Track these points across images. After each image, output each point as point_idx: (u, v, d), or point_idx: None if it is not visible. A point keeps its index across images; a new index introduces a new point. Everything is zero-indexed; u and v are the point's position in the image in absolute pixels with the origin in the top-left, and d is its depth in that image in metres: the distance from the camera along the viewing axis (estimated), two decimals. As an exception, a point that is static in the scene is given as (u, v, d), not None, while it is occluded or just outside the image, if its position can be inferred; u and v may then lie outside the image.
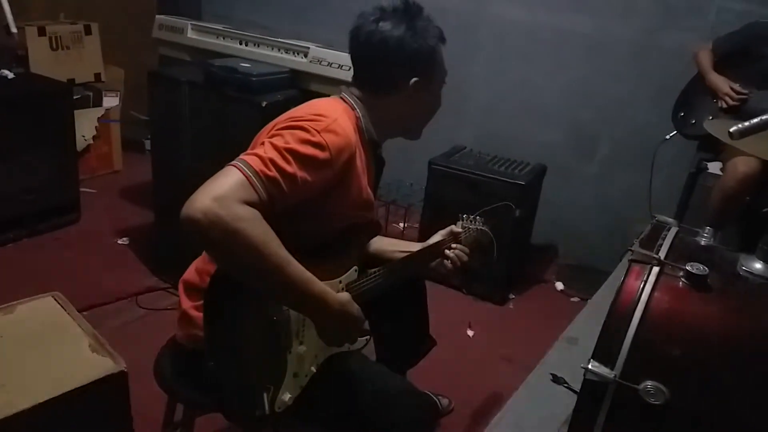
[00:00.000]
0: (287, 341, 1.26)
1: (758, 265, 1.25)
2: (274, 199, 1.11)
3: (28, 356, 1.34)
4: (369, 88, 1.38)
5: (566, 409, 1.73)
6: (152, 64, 3.12)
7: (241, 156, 1.13)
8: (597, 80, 3.12)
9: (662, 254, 1.22)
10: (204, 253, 1.36)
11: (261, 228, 1.07)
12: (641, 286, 1.15)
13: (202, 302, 1.24)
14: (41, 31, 3.50)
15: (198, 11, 4.18)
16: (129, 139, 4.06)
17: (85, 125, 3.67)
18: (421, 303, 1.76)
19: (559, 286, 3.14)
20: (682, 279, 1.17)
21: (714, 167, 2.58)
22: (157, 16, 3.09)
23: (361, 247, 1.47)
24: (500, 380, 2.31)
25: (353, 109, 1.37)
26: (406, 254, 1.54)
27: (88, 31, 3.72)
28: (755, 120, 1.12)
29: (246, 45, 2.74)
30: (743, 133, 1.12)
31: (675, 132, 2.68)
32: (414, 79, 1.35)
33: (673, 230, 1.38)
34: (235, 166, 1.10)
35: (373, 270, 1.43)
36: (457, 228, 1.62)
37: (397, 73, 1.35)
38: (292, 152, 1.14)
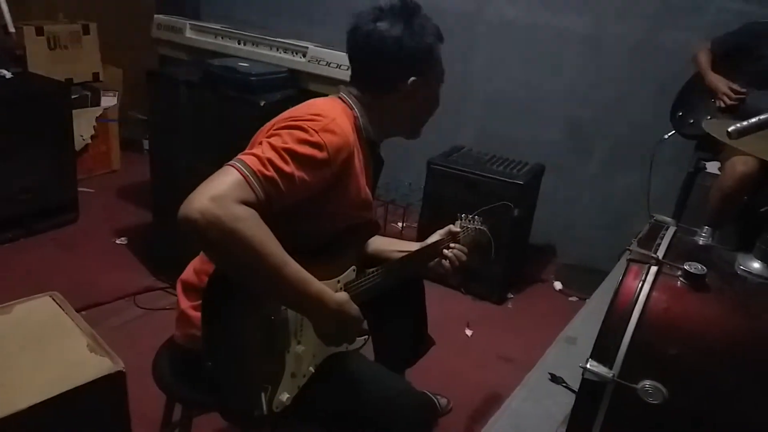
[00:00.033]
0: (285, 341, 1.26)
1: (756, 265, 1.25)
2: (272, 198, 1.11)
3: (26, 356, 1.34)
4: (367, 88, 1.38)
5: (565, 408, 1.73)
6: (151, 64, 3.12)
7: (239, 156, 1.13)
8: (595, 80, 3.12)
9: (660, 254, 1.22)
10: (202, 252, 1.36)
11: (259, 228, 1.07)
12: (639, 285, 1.15)
13: (200, 302, 1.24)
14: (39, 31, 3.49)
15: (197, 11, 4.17)
16: (127, 138, 4.05)
17: (84, 125, 3.67)
18: (420, 303, 1.76)
19: (558, 285, 3.14)
20: (681, 278, 1.17)
21: (712, 167, 2.58)
22: (155, 16, 3.09)
23: (359, 246, 1.47)
24: (499, 380, 2.31)
25: (351, 108, 1.37)
26: (404, 254, 1.54)
27: (86, 30, 3.72)
28: (753, 119, 1.12)
29: (245, 44, 2.74)
30: (741, 133, 1.12)
31: (673, 131, 2.68)
32: (412, 78, 1.35)
33: (672, 230, 1.38)
34: (232, 166, 1.09)
35: (371, 270, 1.43)
36: (455, 227, 1.62)
37: (395, 72, 1.35)
38: (290, 152, 1.14)
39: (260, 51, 2.69)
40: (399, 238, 1.71)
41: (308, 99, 1.38)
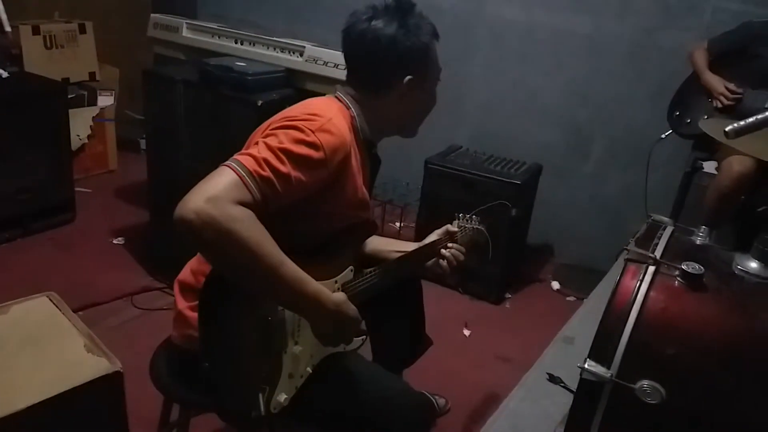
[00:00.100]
0: (282, 341, 1.26)
1: (753, 264, 1.25)
2: (268, 199, 1.11)
3: (23, 356, 1.33)
4: (363, 87, 1.38)
5: (563, 408, 1.73)
6: (147, 63, 3.12)
7: (235, 156, 1.13)
8: (593, 80, 3.12)
9: (658, 253, 1.22)
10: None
11: (255, 228, 1.07)
12: (637, 285, 1.15)
13: (197, 303, 1.24)
14: (35, 30, 3.49)
15: (193, 10, 4.17)
16: (124, 138, 4.04)
17: (80, 124, 3.66)
18: (418, 303, 1.76)
19: (555, 285, 3.15)
20: (678, 278, 1.17)
21: (709, 166, 2.59)
22: (152, 15, 3.09)
23: (356, 246, 1.47)
24: (497, 380, 2.31)
25: (348, 108, 1.37)
26: (402, 254, 1.54)
27: (82, 29, 3.71)
28: (750, 119, 1.12)
29: (241, 44, 2.74)
30: (738, 133, 1.12)
31: (670, 131, 2.68)
32: (408, 77, 1.35)
33: (669, 229, 1.38)
34: (228, 167, 1.09)
35: (368, 270, 1.43)
36: (453, 227, 1.62)
37: (390, 71, 1.35)
38: (286, 152, 1.14)
39: (257, 50, 2.69)
40: (397, 238, 1.71)
41: (305, 98, 1.38)
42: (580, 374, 1.13)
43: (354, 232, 1.42)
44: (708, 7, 2.79)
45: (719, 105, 2.51)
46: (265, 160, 1.11)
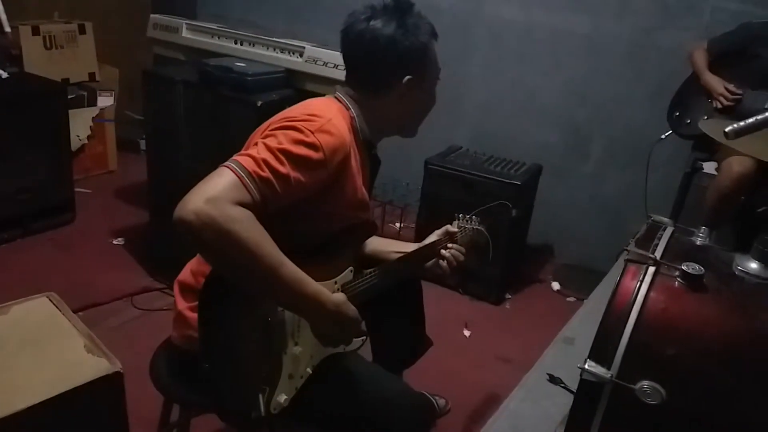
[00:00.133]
0: (282, 342, 1.26)
1: (753, 265, 1.25)
2: (267, 199, 1.10)
3: (23, 357, 1.33)
4: (362, 88, 1.38)
5: (563, 409, 1.73)
6: (147, 64, 3.11)
7: (234, 157, 1.13)
8: (592, 79, 3.12)
9: (658, 254, 1.22)
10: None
11: (254, 229, 1.07)
12: (637, 285, 1.15)
13: (197, 303, 1.24)
14: (35, 31, 3.49)
15: (193, 10, 4.17)
16: (124, 138, 4.04)
17: (80, 125, 3.66)
18: (418, 303, 1.76)
19: (556, 286, 3.15)
20: (678, 279, 1.17)
21: (709, 167, 2.59)
22: (151, 16, 3.08)
23: (356, 247, 1.46)
24: (497, 380, 2.31)
25: (348, 108, 1.36)
26: (401, 254, 1.54)
27: (82, 30, 3.71)
28: (750, 120, 1.12)
29: (241, 44, 2.74)
30: (738, 133, 1.12)
31: (670, 132, 2.68)
32: (407, 77, 1.35)
33: (669, 230, 1.38)
34: (227, 167, 1.09)
35: (368, 270, 1.42)
36: (453, 228, 1.61)
37: (389, 71, 1.34)
38: (286, 153, 1.14)
39: (257, 51, 2.69)
40: (396, 239, 1.71)
41: (305, 99, 1.38)
42: (581, 375, 1.13)
43: (354, 233, 1.41)
44: (707, 7, 2.80)
45: (719, 105, 2.51)
46: (265, 161, 1.11)
